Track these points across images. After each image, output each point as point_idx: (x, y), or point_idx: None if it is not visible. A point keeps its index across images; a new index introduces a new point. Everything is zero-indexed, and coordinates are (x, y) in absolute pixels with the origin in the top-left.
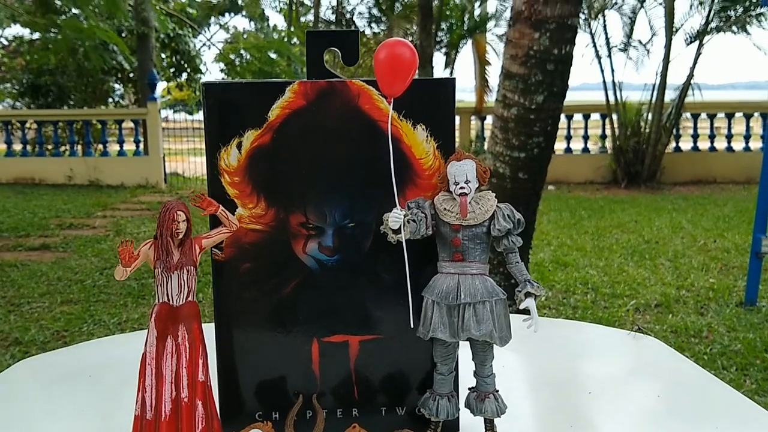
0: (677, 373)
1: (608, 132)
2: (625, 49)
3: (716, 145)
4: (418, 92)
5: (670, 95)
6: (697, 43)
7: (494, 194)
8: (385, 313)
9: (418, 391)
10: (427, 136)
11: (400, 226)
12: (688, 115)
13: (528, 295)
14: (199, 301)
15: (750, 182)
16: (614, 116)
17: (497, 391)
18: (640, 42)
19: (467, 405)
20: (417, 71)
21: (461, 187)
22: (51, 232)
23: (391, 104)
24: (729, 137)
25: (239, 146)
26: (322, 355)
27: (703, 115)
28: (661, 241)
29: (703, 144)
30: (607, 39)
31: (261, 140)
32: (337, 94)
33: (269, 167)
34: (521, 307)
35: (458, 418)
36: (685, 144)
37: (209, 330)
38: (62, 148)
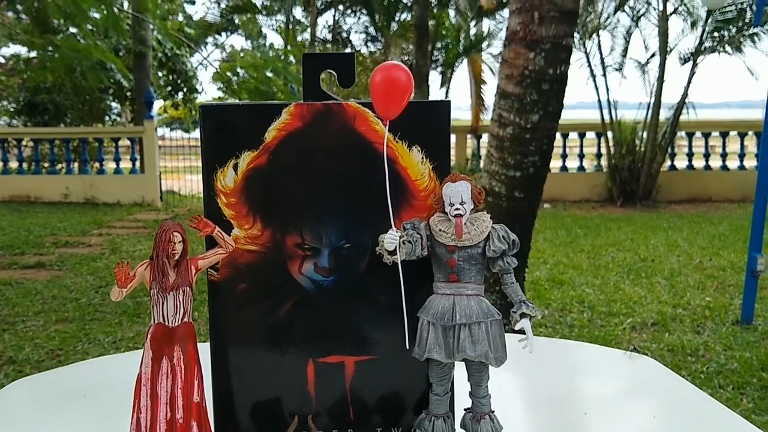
0: (673, 393)
1: (603, 150)
2: (620, 69)
3: (711, 163)
4: (414, 114)
5: (664, 114)
6: (691, 63)
7: (489, 215)
8: (381, 334)
9: (414, 412)
10: (422, 158)
11: (395, 248)
12: (683, 133)
13: (523, 315)
14: (195, 320)
15: (745, 200)
16: (609, 134)
17: (493, 411)
18: (638, 62)
19: (463, 426)
20: (413, 92)
21: (456, 209)
22: (46, 250)
23: (387, 126)
24: (724, 156)
25: (236, 168)
26: (317, 376)
27: (698, 134)
28: (657, 259)
29: (698, 162)
30: (601, 58)
31: (257, 162)
32: (333, 116)
33: (265, 188)
34: (516, 327)
35: None
36: (680, 162)
37: (204, 350)
38: (58, 166)
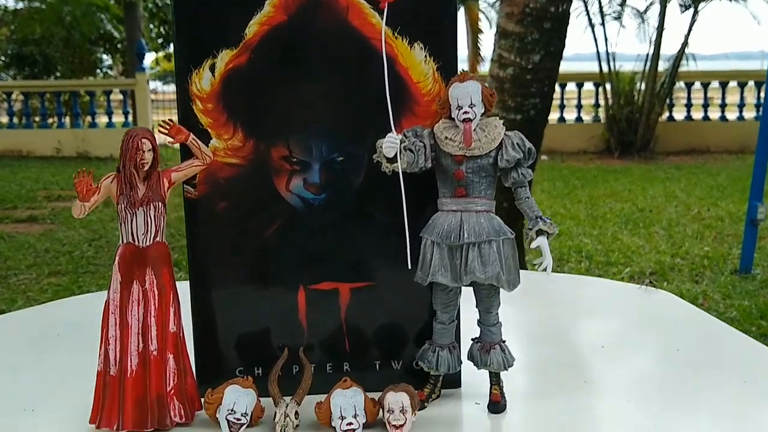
0: (695, 326)
1: (601, 101)
2: (618, 17)
3: (710, 114)
4: (415, 6)
5: (663, 65)
6: (692, 10)
7: (502, 120)
8: (379, 258)
9: (416, 343)
10: (425, 56)
11: (395, 154)
12: (682, 84)
13: (540, 233)
14: (176, 265)
15: (744, 151)
16: (607, 86)
17: (504, 341)
18: (637, 10)
19: (470, 357)
20: None
21: (465, 112)
22: (39, 204)
23: (385, 14)
24: (723, 106)
25: (213, 68)
26: (309, 305)
27: (697, 85)
28: (654, 209)
29: (697, 114)
30: (600, 7)
31: (237, 61)
32: (323, 7)
33: (247, 93)
34: (533, 246)
35: (460, 372)
36: (679, 113)
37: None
38: (50, 120)
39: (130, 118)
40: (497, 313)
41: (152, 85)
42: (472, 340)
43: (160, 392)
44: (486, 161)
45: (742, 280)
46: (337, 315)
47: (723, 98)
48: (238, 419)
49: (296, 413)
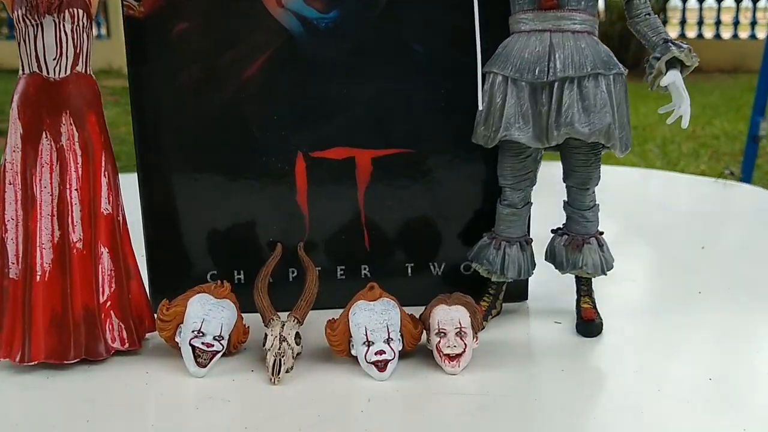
0: None
1: None
2: None
3: (704, 32)
4: None
5: None
6: None
7: None
8: (417, 112)
9: (466, 237)
10: None
11: None
12: (678, 1)
13: (672, 64)
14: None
15: (737, 70)
16: (599, 1)
17: (602, 233)
18: None
19: (550, 256)
20: None
21: None
22: (6, 117)
23: None
24: (717, 24)
25: None
26: (311, 182)
27: (692, 2)
28: (648, 127)
29: (691, 32)
30: None
31: None
32: None
33: None
34: (663, 83)
35: (527, 281)
36: (672, 31)
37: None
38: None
39: (103, 29)
40: (594, 192)
41: None
42: (554, 231)
43: (89, 305)
44: None
45: None
46: (352, 198)
47: (718, 15)
48: (209, 344)
49: (297, 336)
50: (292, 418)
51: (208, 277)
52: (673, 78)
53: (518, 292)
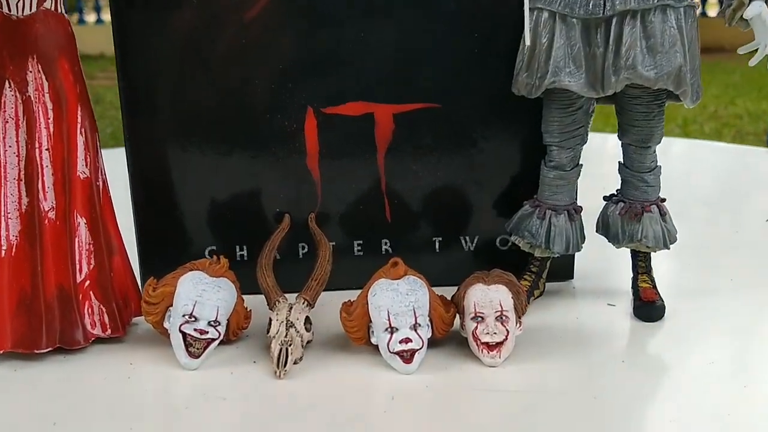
0: None
1: None
2: None
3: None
4: None
5: None
6: None
7: None
8: (446, 59)
9: (503, 206)
10: None
11: None
12: None
13: None
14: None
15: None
16: None
17: (663, 200)
18: None
19: (603, 228)
20: None
21: None
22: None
23: None
24: None
25: None
26: (323, 143)
27: None
28: (670, 107)
29: (712, 11)
30: None
31: None
32: None
33: None
34: (747, 15)
35: (574, 257)
36: None
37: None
38: None
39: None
40: (655, 154)
41: None
42: (607, 199)
43: (64, 284)
44: None
45: None
46: (371, 162)
47: None
48: (202, 331)
49: (307, 321)
50: (300, 419)
51: (206, 253)
52: (758, 9)
53: (563, 269)
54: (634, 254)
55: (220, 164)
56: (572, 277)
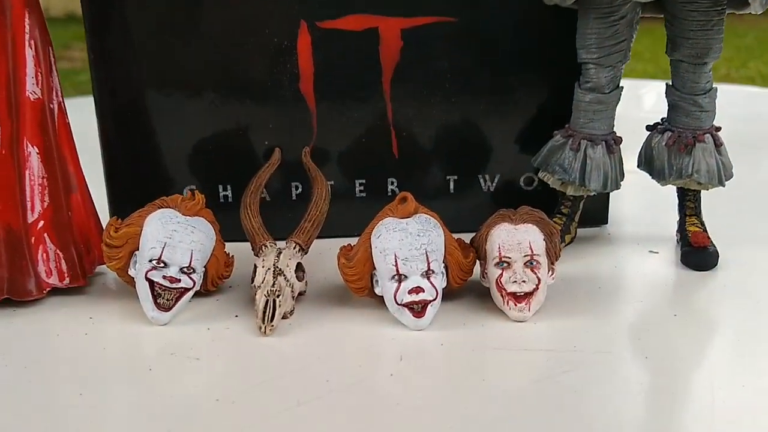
0: None
1: None
2: None
3: None
4: None
5: None
6: None
7: None
8: None
9: (528, 138)
10: None
11: None
12: None
13: None
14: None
15: None
16: None
17: (718, 128)
18: None
19: (645, 162)
20: None
21: None
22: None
23: None
24: None
25: None
26: (319, 63)
27: None
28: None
29: None
30: None
31: None
32: None
33: None
34: None
35: (608, 199)
36: None
37: None
38: None
39: None
40: (711, 71)
41: None
42: (650, 128)
43: (12, 225)
44: None
45: None
46: (374, 84)
47: None
48: (173, 279)
49: (299, 268)
50: (289, 384)
51: (185, 192)
52: None
53: (597, 212)
54: (682, 193)
55: (199, 89)
56: (606, 222)
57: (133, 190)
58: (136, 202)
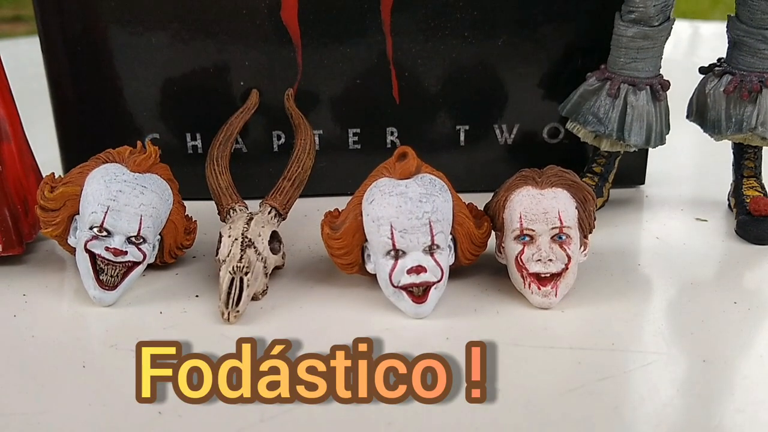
0: None
1: None
2: None
3: None
4: None
5: None
6: None
7: None
8: None
9: (554, 82)
10: None
11: None
12: None
13: None
14: None
15: None
16: None
17: None
18: None
19: (697, 112)
20: None
21: None
22: (23, 3)
23: None
24: None
25: None
26: None
27: None
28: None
29: None
30: None
31: None
32: None
33: None
34: None
35: (647, 156)
36: None
37: None
38: None
39: None
40: None
41: None
42: (704, 70)
43: None
44: None
45: None
46: (372, 14)
47: None
48: (118, 251)
49: (274, 238)
50: (257, 383)
51: (148, 140)
52: None
53: (634, 171)
54: (739, 150)
55: (163, 19)
56: (643, 182)
57: (88, 141)
58: (92, 155)
